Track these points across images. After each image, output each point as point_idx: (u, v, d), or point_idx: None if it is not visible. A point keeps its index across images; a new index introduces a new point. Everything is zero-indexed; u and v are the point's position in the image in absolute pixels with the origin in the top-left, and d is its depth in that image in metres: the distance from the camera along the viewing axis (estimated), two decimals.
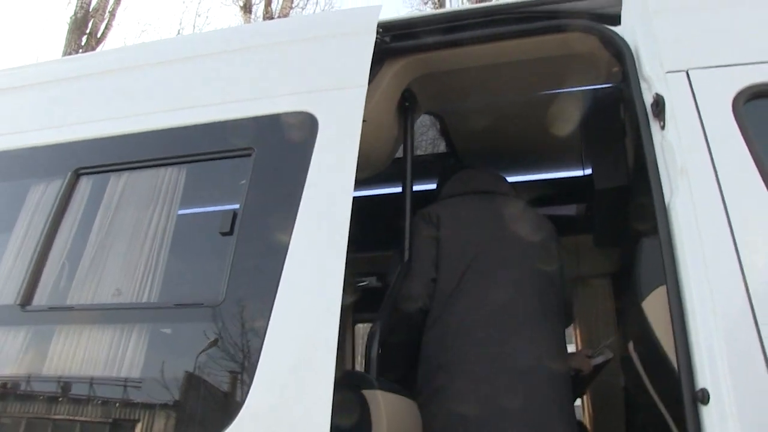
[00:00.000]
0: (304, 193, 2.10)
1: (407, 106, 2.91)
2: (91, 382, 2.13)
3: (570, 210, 3.88)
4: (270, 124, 2.31)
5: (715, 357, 1.68)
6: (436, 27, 2.61)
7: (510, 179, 3.27)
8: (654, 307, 2.03)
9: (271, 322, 1.93)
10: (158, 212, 2.33)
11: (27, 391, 2.22)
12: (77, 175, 2.49)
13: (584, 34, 2.48)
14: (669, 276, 1.87)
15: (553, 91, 3.04)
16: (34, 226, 2.45)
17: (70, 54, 12.53)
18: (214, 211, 2.35)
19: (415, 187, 2.93)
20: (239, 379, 1.96)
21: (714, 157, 1.94)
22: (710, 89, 2.08)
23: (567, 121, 3.21)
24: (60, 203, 2.44)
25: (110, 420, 2.09)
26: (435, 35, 2.60)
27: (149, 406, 2.04)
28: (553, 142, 3.44)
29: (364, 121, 2.21)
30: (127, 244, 2.32)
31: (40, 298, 2.31)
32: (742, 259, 1.76)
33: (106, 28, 13.94)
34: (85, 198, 2.47)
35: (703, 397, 1.66)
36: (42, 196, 2.51)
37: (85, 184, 2.49)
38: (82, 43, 13.23)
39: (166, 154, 2.40)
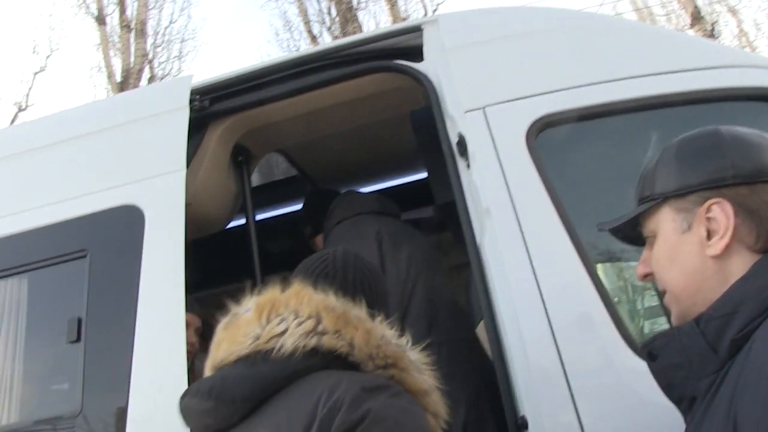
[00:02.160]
0: (140, 290, 2.15)
1: (241, 160, 2.97)
2: None
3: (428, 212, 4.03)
4: (99, 222, 2.32)
5: (528, 385, 1.86)
6: (253, 84, 2.65)
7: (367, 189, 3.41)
8: (483, 335, 2.22)
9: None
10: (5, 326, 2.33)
11: None
12: None
13: (393, 73, 2.58)
14: (485, 312, 2.03)
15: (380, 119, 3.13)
16: None
17: None
18: (61, 319, 2.35)
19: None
20: None
21: (512, 194, 2.07)
22: (505, 125, 2.19)
23: (405, 137, 3.32)
24: None
25: None
26: (253, 92, 2.65)
27: None
28: (398, 153, 3.55)
29: (189, 204, 2.26)
30: None
31: None
32: (542, 292, 1.94)
33: None
34: None
35: (524, 423, 1.85)
36: None
37: None
38: None
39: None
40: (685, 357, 1.22)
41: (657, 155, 1.39)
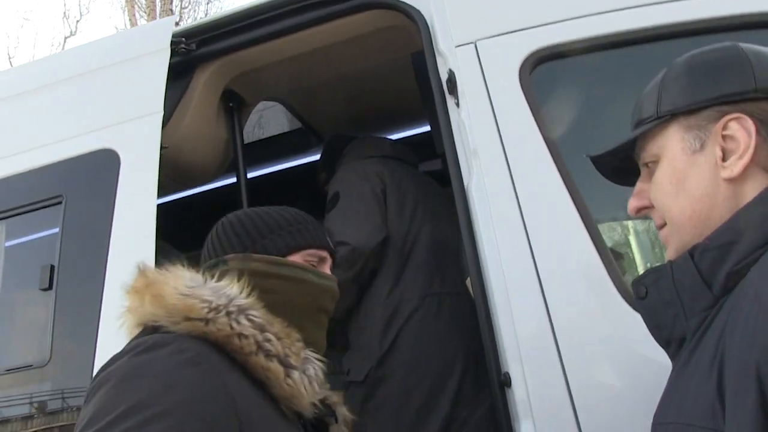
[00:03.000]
0: (111, 237, 2.07)
1: (231, 106, 2.85)
2: None
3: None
4: (76, 167, 2.25)
5: (513, 340, 1.73)
6: (241, 25, 2.51)
7: None
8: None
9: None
10: None
11: None
12: None
13: (385, 10, 2.42)
14: (470, 261, 1.90)
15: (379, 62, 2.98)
16: None
17: None
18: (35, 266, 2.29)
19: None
20: None
21: (502, 134, 1.91)
22: (497, 60, 2.01)
23: (404, 83, 3.17)
24: None
25: None
26: (240, 34, 2.52)
27: None
28: (401, 102, 3.40)
29: (165, 147, 2.16)
30: None
31: None
32: (531, 239, 1.79)
33: None
34: None
35: (507, 380, 1.72)
36: None
37: None
38: None
39: None
40: (676, 293, 1.08)
41: (658, 76, 1.23)
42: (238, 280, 1.31)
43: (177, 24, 2.62)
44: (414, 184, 2.85)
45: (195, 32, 2.52)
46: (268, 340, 1.25)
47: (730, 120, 1.07)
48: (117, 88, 2.36)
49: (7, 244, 2.31)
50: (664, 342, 1.15)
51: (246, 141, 3.21)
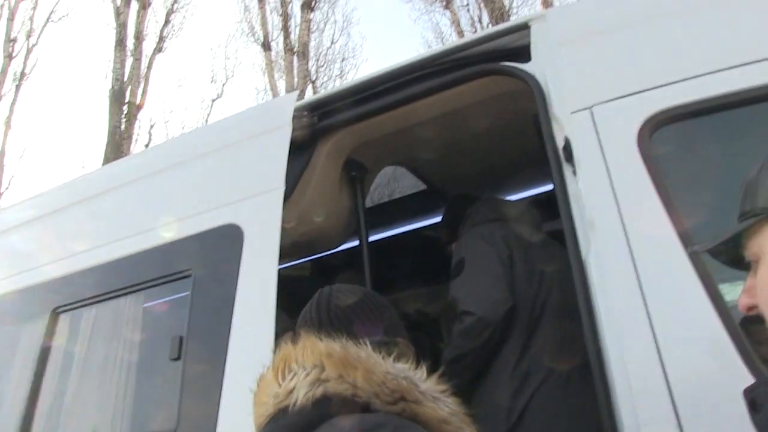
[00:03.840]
0: (234, 308, 2.17)
1: (354, 175, 2.91)
2: None
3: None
4: (203, 242, 2.37)
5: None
6: (361, 96, 2.58)
7: None
8: None
9: None
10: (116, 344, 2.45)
11: None
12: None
13: (502, 76, 2.40)
14: (588, 336, 1.81)
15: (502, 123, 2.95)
16: None
17: (114, 126, 13.20)
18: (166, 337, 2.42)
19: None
20: None
21: (620, 204, 1.82)
22: (613, 125, 1.93)
23: (529, 142, 3.12)
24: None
25: None
26: (363, 104, 2.58)
27: None
28: (526, 161, 3.34)
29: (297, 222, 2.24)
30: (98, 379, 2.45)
31: None
32: (651, 315, 1.67)
33: (143, 93, 14.66)
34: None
35: None
36: None
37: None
38: (124, 112, 13.89)
39: (115, 286, 2.52)
40: None
41: (763, 160, 1.13)
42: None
43: (302, 94, 2.73)
44: (540, 248, 2.77)
45: (317, 105, 2.61)
46: (461, 429, 1.27)
47: None
48: (241, 165, 2.47)
49: (140, 315, 2.47)
50: None
51: (370, 204, 3.27)
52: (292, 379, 1.25)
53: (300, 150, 2.53)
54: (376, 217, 3.38)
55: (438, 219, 3.54)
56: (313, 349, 1.28)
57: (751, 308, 1.12)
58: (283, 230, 2.26)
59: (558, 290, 2.64)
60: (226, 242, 2.30)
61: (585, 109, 2.01)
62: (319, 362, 1.25)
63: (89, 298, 2.60)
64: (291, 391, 1.24)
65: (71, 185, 3.10)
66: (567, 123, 2.04)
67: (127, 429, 2.33)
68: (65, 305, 2.65)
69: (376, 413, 1.18)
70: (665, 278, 1.71)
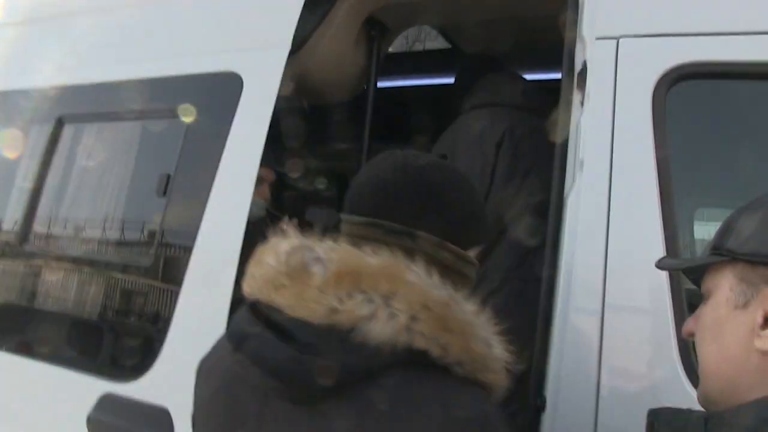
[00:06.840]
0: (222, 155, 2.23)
1: (373, 34, 2.79)
2: None
3: None
4: (202, 83, 2.39)
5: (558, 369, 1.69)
6: None
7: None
8: None
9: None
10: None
11: None
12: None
13: None
14: (545, 276, 1.83)
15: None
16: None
17: None
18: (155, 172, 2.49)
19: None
20: None
21: (614, 157, 1.73)
22: (635, 65, 1.78)
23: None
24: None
25: None
26: None
27: None
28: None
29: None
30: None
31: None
32: (607, 277, 1.67)
33: None
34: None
35: (542, 405, 1.69)
36: None
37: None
38: None
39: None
40: None
41: (752, 201, 1.08)
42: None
43: None
44: (534, 146, 2.59)
45: None
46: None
47: None
48: (251, 14, 2.45)
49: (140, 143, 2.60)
50: None
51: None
52: (364, 305, 1.05)
53: (315, 2, 2.40)
54: (392, 65, 3.25)
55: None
56: (407, 288, 1.07)
57: (691, 334, 1.14)
58: (287, 85, 2.23)
59: (536, 200, 2.50)
60: (224, 88, 2.29)
61: (612, 38, 1.85)
62: (412, 310, 1.05)
63: (91, 114, 2.72)
64: (361, 319, 1.04)
65: None
66: (590, 47, 1.90)
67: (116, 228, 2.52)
68: (70, 116, 2.76)
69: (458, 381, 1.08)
70: (633, 247, 1.69)
